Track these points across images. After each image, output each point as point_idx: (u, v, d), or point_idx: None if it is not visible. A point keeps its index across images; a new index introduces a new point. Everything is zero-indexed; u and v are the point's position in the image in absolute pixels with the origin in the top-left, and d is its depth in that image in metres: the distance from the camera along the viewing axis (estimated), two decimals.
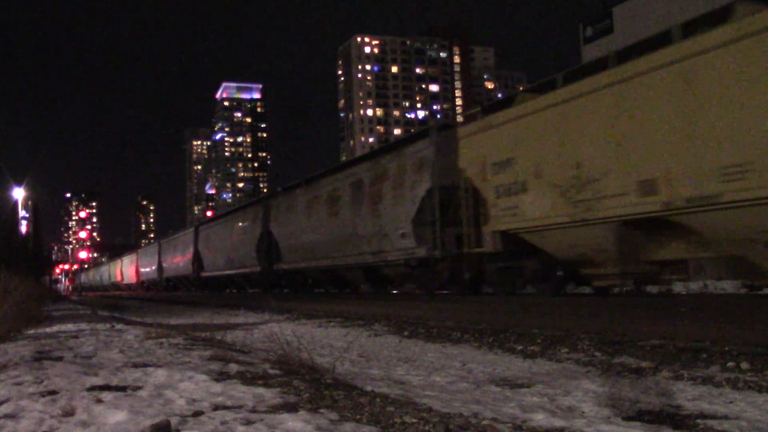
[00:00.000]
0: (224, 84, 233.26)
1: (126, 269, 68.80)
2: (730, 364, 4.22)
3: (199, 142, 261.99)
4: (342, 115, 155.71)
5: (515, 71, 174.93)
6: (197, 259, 39.08)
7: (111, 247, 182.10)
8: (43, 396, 2.99)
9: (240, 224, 31.75)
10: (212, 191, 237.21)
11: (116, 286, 75.53)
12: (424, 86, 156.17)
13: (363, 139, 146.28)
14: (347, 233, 20.13)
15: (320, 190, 22.85)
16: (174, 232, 54.55)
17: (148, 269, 56.44)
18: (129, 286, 66.61)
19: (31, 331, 7.72)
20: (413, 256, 16.62)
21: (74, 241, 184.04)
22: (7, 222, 24.69)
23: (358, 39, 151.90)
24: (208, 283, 38.28)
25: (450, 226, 15.24)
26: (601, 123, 11.53)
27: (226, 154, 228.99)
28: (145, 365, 3.99)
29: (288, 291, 26.77)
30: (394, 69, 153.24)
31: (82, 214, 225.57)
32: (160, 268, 50.39)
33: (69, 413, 2.62)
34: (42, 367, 3.95)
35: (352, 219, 19.82)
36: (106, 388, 3.20)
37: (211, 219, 42.11)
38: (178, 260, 44.56)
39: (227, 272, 33.72)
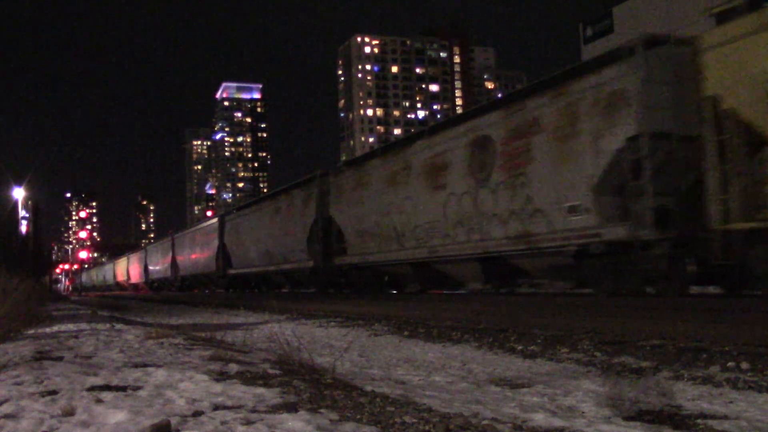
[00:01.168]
0: (224, 84, 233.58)
1: (133, 268, 63.66)
2: (730, 364, 4.22)
3: (199, 142, 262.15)
4: (342, 115, 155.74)
5: (515, 71, 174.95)
6: (223, 254, 33.44)
7: (111, 247, 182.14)
8: (43, 396, 2.99)
9: (283, 210, 26.06)
10: (212, 191, 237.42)
11: (121, 286, 70.85)
12: (424, 86, 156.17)
13: (363, 139, 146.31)
14: (460, 212, 15.14)
15: (412, 157, 17.31)
16: (190, 226, 49.43)
17: (158, 267, 51.26)
18: (135, 286, 62.14)
19: (31, 331, 7.72)
20: (595, 240, 11.67)
21: (74, 241, 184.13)
22: (7, 222, 24.69)
23: (358, 39, 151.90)
24: (237, 282, 32.94)
25: (657, 195, 10.64)
26: None
27: (226, 154, 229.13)
28: (145, 365, 3.99)
29: (349, 291, 21.49)
30: (394, 69, 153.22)
31: (82, 214, 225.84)
32: (173, 265, 44.96)
33: (69, 413, 2.62)
34: (42, 367, 3.95)
35: (472, 191, 14.70)
36: (106, 388, 3.20)
37: (242, 207, 35.54)
38: (198, 256, 38.83)
39: (265, 268, 28.06)
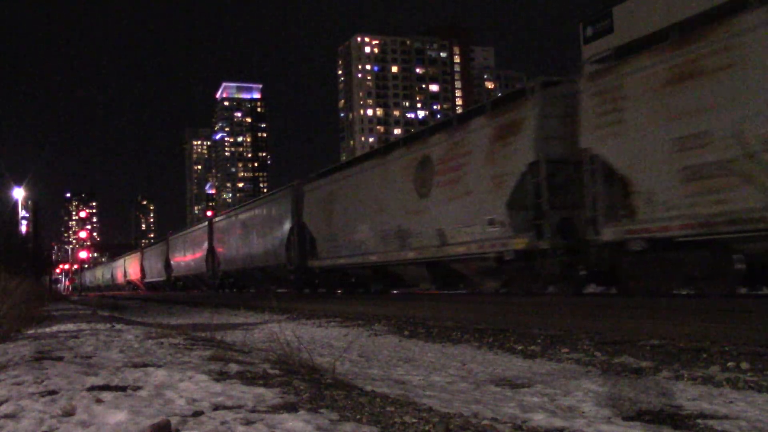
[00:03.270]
0: (224, 84, 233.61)
1: (149, 264, 55.09)
2: (730, 364, 4.22)
3: (199, 142, 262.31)
4: (342, 115, 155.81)
5: (515, 71, 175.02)
6: (299, 239, 23.89)
7: (111, 247, 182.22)
8: (43, 396, 2.99)
9: (439, 159, 16.04)
10: (212, 191, 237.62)
11: (134, 285, 62.77)
12: (424, 86, 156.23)
13: (363, 139, 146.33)
14: None
15: None
16: (235, 206, 37.72)
17: (186, 262, 42.16)
18: (153, 285, 53.72)
19: (31, 331, 7.72)
20: None
21: (74, 241, 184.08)
22: (7, 222, 24.70)
23: (358, 39, 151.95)
24: (328, 277, 22.90)
25: None
26: None
27: (226, 154, 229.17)
28: (145, 365, 3.99)
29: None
30: (394, 69, 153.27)
31: (82, 214, 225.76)
32: (210, 258, 35.78)
33: (69, 413, 2.62)
34: (42, 367, 3.95)
35: None
36: (106, 388, 3.20)
37: (336, 168, 23.45)
38: (253, 245, 29.26)
39: (394, 256, 17.84)
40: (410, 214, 17.02)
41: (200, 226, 40.58)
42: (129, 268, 66.18)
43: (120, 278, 71.88)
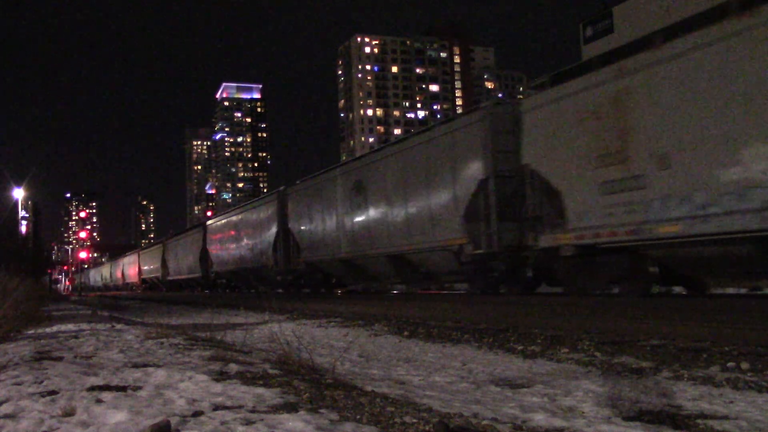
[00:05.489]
0: (224, 84, 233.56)
1: (176, 257, 43.96)
2: (730, 364, 4.22)
3: (199, 142, 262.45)
4: (342, 115, 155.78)
5: (515, 71, 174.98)
6: (499, 200, 13.75)
7: (111, 247, 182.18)
8: (43, 396, 2.99)
9: None
10: (212, 191, 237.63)
11: (151, 284, 53.18)
12: (424, 86, 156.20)
13: (363, 139, 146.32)
14: None
15: None
16: (327, 167, 23.74)
17: (232, 254, 31.98)
18: (180, 284, 43.91)
19: (31, 331, 7.72)
20: None
21: (74, 241, 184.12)
22: (7, 222, 24.70)
23: (358, 39, 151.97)
24: (572, 269, 12.71)
25: None
26: None
27: (226, 154, 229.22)
28: (145, 365, 3.99)
29: None
30: (394, 69, 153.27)
31: (82, 214, 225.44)
32: (281, 246, 25.75)
33: (69, 413, 2.62)
34: (42, 367, 3.95)
35: None
36: (106, 388, 3.20)
37: (637, 44, 11.98)
38: (369, 222, 19.04)
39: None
40: None
41: (261, 201, 29.74)
42: (144, 264, 56.29)
43: (132, 276, 62.26)
